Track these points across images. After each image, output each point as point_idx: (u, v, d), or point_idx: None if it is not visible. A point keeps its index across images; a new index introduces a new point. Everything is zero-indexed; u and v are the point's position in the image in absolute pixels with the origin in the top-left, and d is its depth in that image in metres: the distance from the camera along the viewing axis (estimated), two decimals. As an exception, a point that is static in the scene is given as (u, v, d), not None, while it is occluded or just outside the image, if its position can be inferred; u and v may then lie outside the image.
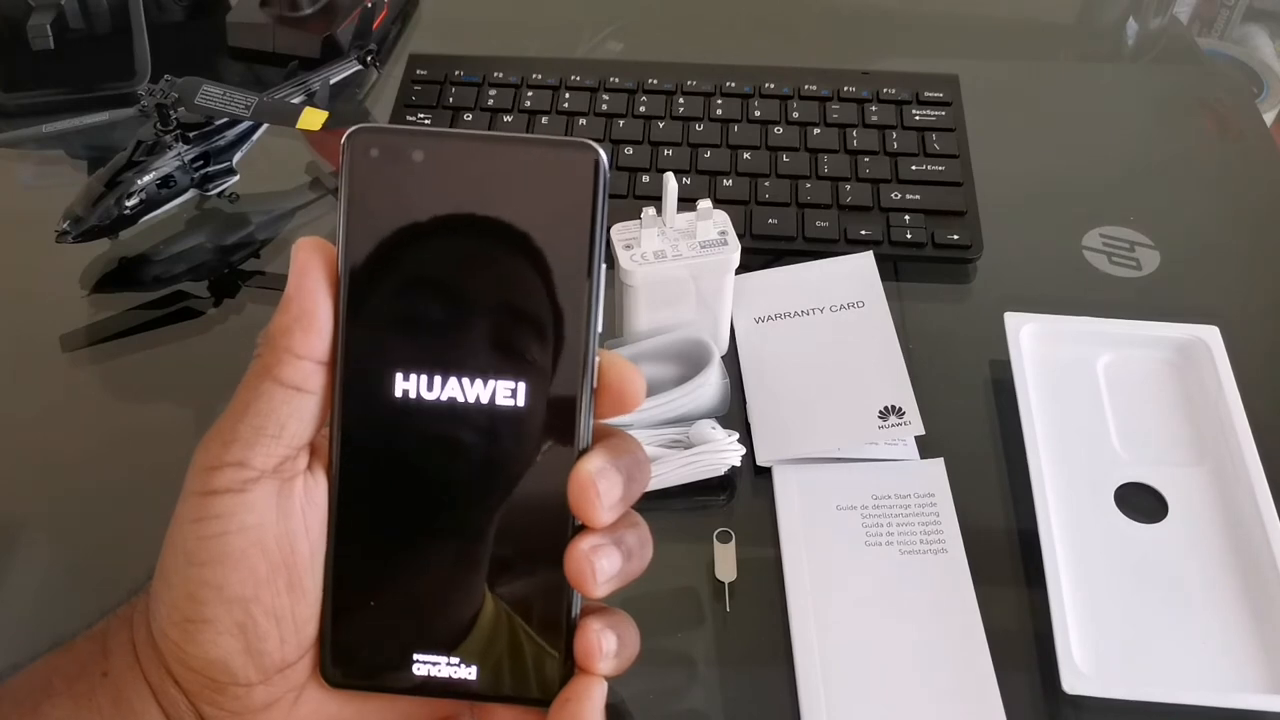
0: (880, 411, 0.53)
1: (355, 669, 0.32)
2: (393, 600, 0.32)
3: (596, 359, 0.31)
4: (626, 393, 0.32)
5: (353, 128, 0.30)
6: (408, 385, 0.31)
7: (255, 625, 0.30)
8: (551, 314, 0.30)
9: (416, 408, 0.31)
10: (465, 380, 0.31)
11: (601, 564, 0.31)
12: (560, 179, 0.30)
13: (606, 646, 0.31)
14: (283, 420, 0.30)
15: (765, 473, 0.53)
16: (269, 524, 0.30)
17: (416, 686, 0.32)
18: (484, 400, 0.31)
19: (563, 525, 0.31)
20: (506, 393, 0.31)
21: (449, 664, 0.32)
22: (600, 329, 0.31)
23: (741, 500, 0.52)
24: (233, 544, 0.30)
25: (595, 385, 0.31)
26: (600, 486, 0.30)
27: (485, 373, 0.31)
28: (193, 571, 0.30)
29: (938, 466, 0.52)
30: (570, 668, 0.32)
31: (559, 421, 0.31)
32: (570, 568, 0.31)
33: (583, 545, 0.31)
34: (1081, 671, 0.44)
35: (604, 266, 0.31)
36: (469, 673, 0.32)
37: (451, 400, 0.31)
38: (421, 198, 0.30)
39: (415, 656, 0.32)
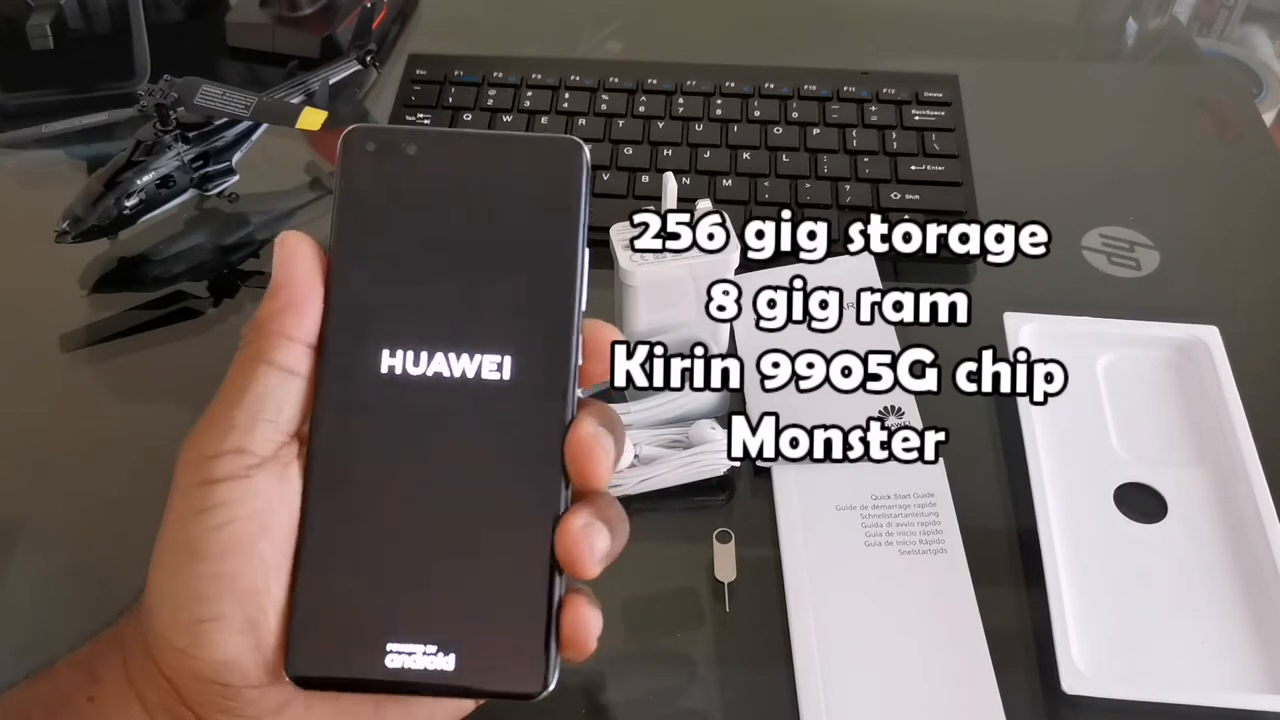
0: (880, 411, 0.53)
1: (320, 662, 0.29)
2: (364, 586, 0.30)
3: (581, 337, 0.31)
4: (606, 349, 0.32)
5: (350, 127, 0.31)
6: (394, 362, 0.31)
7: (266, 619, 0.29)
8: (541, 289, 0.31)
9: (402, 383, 0.31)
10: (452, 356, 0.31)
11: (597, 542, 0.30)
12: (548, 166, 0.32)
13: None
14: (279, 403, 0.30)
15: (765, 473, 0.53)
16: (275, 509, 0.29)
17: (389, 682, 0.29)
18: (470, 376, 0.31)
19: (552, 504, 0.30)
20: (493, 367, 0.31)
21: (425, 654, 0.29)
22: (584, 307, 0.32)
23: (741, 500, 0.52)
24: (241, 532, 0.29)
25: (580, 361, 0.31)
26: (603, 444, 0.30)
27: (472, 349, 0.31)
28: (199, 567, 0.29)
29: (937, 467, 0.52)
30: (556, 657, 0.30)
31: (550, 395, 0.31)
32: (566, 545, 0.30)
33: (576, 522, 0.30)
34: (1081, 671, 0.44)
35: (588, 251, 0.32)
36: (446, 663, 0.30)
37: (438, 376, 0.31)
38: (413, 185, 0.31)
39: (389, 646, 0.29)
